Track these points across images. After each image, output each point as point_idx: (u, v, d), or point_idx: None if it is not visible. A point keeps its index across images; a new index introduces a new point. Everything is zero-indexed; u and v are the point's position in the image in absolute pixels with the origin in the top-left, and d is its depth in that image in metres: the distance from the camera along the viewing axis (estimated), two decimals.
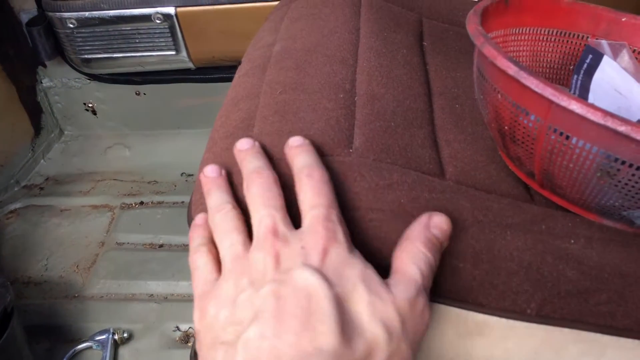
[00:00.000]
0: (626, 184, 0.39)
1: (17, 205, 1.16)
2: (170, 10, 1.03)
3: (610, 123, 0.36)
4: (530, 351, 0.40)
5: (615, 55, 0.59)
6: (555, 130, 0.41)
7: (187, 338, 0.87)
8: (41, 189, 1.21)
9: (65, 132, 1.34)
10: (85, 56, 1.11)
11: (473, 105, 0.58)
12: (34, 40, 1.09)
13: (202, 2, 1.02)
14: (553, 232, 0.44)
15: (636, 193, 0.40)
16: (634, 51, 0.60)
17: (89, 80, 1.21)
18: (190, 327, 0.89)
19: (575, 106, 0.37)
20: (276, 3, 0.80)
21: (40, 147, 1.29)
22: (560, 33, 0.60)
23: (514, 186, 0.49)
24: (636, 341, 0.39)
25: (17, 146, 1.23)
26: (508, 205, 0.46)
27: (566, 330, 0.39)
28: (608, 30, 0.60)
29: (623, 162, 0.38)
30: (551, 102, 0.39)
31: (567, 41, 0.60)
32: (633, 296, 0.40)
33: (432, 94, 0.59)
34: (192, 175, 1.20)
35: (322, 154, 0.46)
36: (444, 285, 0.40)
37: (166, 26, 1.05)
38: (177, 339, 0.88)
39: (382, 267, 0.38)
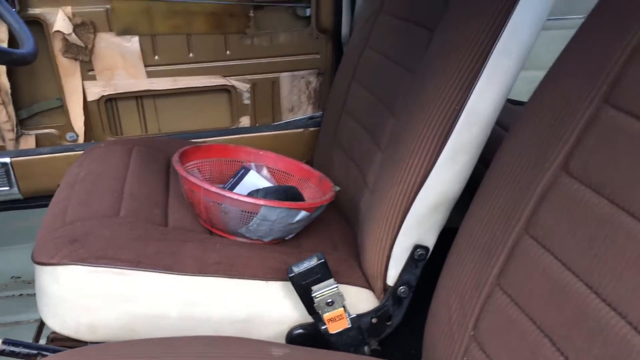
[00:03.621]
0: (231, 217, 0.97)
1: None
2: (7, 160, 1.48)
3: (208, 188, 0.94)
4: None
5: (259, 171, 1.21)
6: (205, 198, 0.98)
7: None
8: None
9: None
10: None
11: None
12: None
13: (30, 153, 1.50)
14: (213, 241, 0.99)
15: (234, 220, 0.97)
16: (270, 169, 1.22)
17: None
18: None
19: (206, 185, 0.95)
20: (80, 152, 1.32)
21: None
22: (231, 160, 1.20)
23: (202, 228, 1.05)
24: (236, 280, 0.93)
25: None
26: (197, 234, 1.01)
27: (211, 279, 0.93)
28: (255, 158, 1.22)
29: (224, 205, 0.96)
30: (201, 187, 0.96)
31: (235, 164, 1.20)
32: (239, 263, 0.95)
33: (169, 192, 1.15)
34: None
35: (105, 217, 0.97)
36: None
37: (3, 171, 1.49)
38: None
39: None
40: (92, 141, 1.53)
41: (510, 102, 1.03)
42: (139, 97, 1.53)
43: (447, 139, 0.89)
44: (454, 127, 0.88)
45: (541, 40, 1.09)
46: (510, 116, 1.02)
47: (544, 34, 1.19)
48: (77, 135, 1.50)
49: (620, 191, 0.54)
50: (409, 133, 0.93)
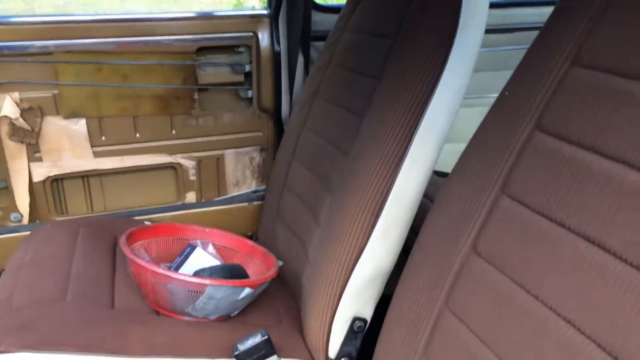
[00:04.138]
0: (178, 297, 1.01)
1: None
2: None
3: (155, 269, 0.98)
4: None
5: (205, 248, 1.25)
6: (152, 279, 1.02)
7: None
8: None
9: None
10: None
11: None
12: None
13: None
14: (160, 321, 1.02)
15: (181, 300, 1.01)
16: (216, 245, 1.27)
17: None
18: None
19: (153, 267, 0.99)
20: (25, 233, 1.34)
21: None
22: (178, 239, 1.25)
23: (149, 308, 1.08)
24: None
25: None
26: (144, 315, 1.04)
27: None
28: (201, 236, 1.27)
29: (171, 286, 1.00)
30: (147, 269, 1.00)
31: (181, 242, 1.25)
32: (186, 343, 0.99)
33: (115, 273, 1.17)
34: None
35: (52, 301, 0.99)
36: None
37: None
38: None
39: None
40: (37, 221, 1.53)
41: (436, 174, 1.13)
42: (85, 176, 1.56)
43: (379, 216, 0.97)
44: (384, 206, 0.97)
45: (464, 115, 1.22)
46: (436, 188, 1.13)
47: (467, 110, 1.33)
48: (22, 216, 1.51)
49: (518, 271, 0.62)
50: (344, 211, 1.01)
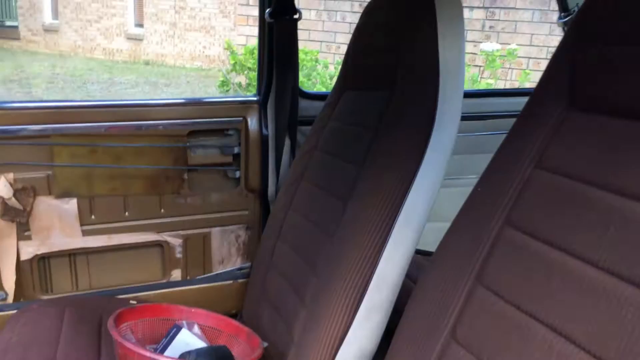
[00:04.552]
0: None
1: None
2: None
3: (143, 352, 0.99)
4: None
5: (190, 329, 1.27)
6: None
7: None
8: None
9: None
10: None
11: None
12: None
13: None
14: None
15: None
16: (201, 325, 1.29)
17: None
18: None
19: (140, 350, 1.00)
20: (9, 312, 1.34)
21: None
22: (165, 319, 1.26)
23: None
24: None
25: None
26: None
27: None
28: (187, 316, 1.28)
29: None
30: (135, 352, 1.02)
31: (167, 322, 1.26)
32: None
33: (100, 355, 1.18)
34: None
35: None
36: None
37: None
38: None
39: None
40: (21, 300, 1.54)
41: (418, 252, 1.18)
42: (71, 254, 1.58)
43: (361, 300, 1.01)
44: (367, 289, 1.01)
45: (443, 196, 1.28)
46: (417, 268, 1.17)
47: (446, 190, 1.39)
48: (6, 295, 1.51)
49: (495, 358, 0.66)
50: (328, 294, 1.05)
